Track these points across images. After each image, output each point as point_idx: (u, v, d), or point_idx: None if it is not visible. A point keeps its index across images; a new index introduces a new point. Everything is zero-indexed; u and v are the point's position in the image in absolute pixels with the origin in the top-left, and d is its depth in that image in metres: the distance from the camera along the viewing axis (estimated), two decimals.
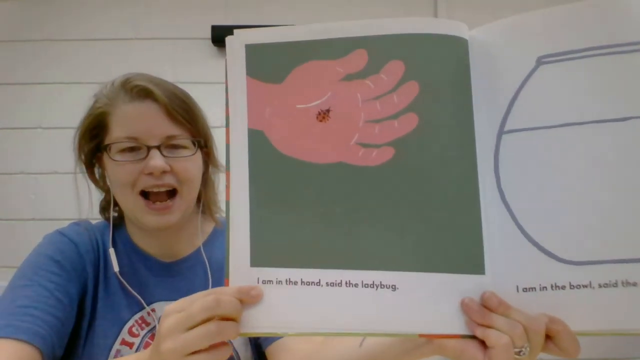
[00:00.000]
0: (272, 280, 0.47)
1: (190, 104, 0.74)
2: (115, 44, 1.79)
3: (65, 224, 0.80)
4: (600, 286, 0.43)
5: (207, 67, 1.77)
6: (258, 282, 0.47)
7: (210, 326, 0.44)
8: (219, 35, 1.76)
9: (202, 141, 0.74)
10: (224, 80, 0.49)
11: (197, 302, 0.45)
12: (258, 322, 0.47)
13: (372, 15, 1.69)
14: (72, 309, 0.71)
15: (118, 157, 0.71)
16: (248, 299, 0.46)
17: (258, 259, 0.48)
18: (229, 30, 0.49)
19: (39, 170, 1.75)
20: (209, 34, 1.77)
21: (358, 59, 0.48)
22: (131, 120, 0.70)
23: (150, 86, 0.70)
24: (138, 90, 0.71)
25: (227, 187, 0.49)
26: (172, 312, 0.46)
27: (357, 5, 1.79)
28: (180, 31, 1.80)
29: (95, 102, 0.75)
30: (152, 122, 0.70)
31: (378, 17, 0.48)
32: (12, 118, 1.76)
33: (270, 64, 0.49)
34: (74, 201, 1.80)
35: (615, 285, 0.43)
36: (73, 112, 1.94)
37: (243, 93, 0.49)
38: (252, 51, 0.49)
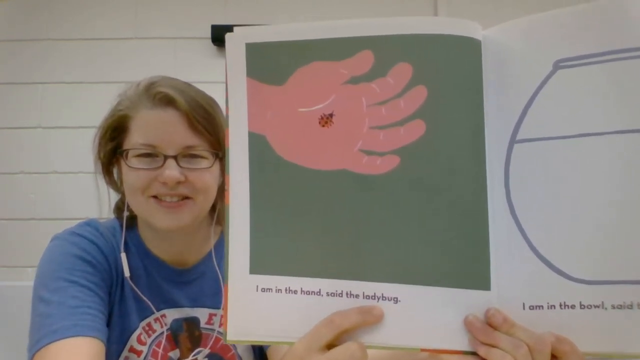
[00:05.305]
0: (271, 289, 0.46)
1: (212, 113, 0.72)
2: (116, 44, 1.79)
3: (65, 223, 0.79)
4: (613, 307, 0.41)
5: (207, 67, 1.76)
6: (257, 290, 0.46)
7: None
8: (219, 35, 1.76)
9: (220, 153, 0.73)
10: (224, 80, 0.47)
11: (345, 352, 0.43)
12: (255, 330, 0.46)
13: (372, 13, 1.68)
14: (107, 309, 0.71)
15: (134, 162, 0.70)
16: (372, 319, 0.44)
17: (257, 266, 0.46)
18: (229, 29, 0.46)
19: (39, 170, 1.75)
20: (209, 34, 1.77)
21: (364, 61, 0.45)
22: (151, 128, 0.69)
23: (174, 93, 0.69)
24: (161, 97, 0.69)
25: (227, 190, 0.47)
26: (311, 352, 0.43)
27: (358, 4, 1.78)
28: (180, 31, 1.80)
29: (118, 103, 0.74)
30: (171, 130, 0.69)
31: (378, 15, 0.46)
32: (12, 118, 1.76)
33: (271, 64, 0.46)
34: (74, 201, 1.79)
35: (631, 307, 0.41)
36: (73, 112, 1.94)
37: (243, 95, 0.47)
38: (253, 50, 0.46)
